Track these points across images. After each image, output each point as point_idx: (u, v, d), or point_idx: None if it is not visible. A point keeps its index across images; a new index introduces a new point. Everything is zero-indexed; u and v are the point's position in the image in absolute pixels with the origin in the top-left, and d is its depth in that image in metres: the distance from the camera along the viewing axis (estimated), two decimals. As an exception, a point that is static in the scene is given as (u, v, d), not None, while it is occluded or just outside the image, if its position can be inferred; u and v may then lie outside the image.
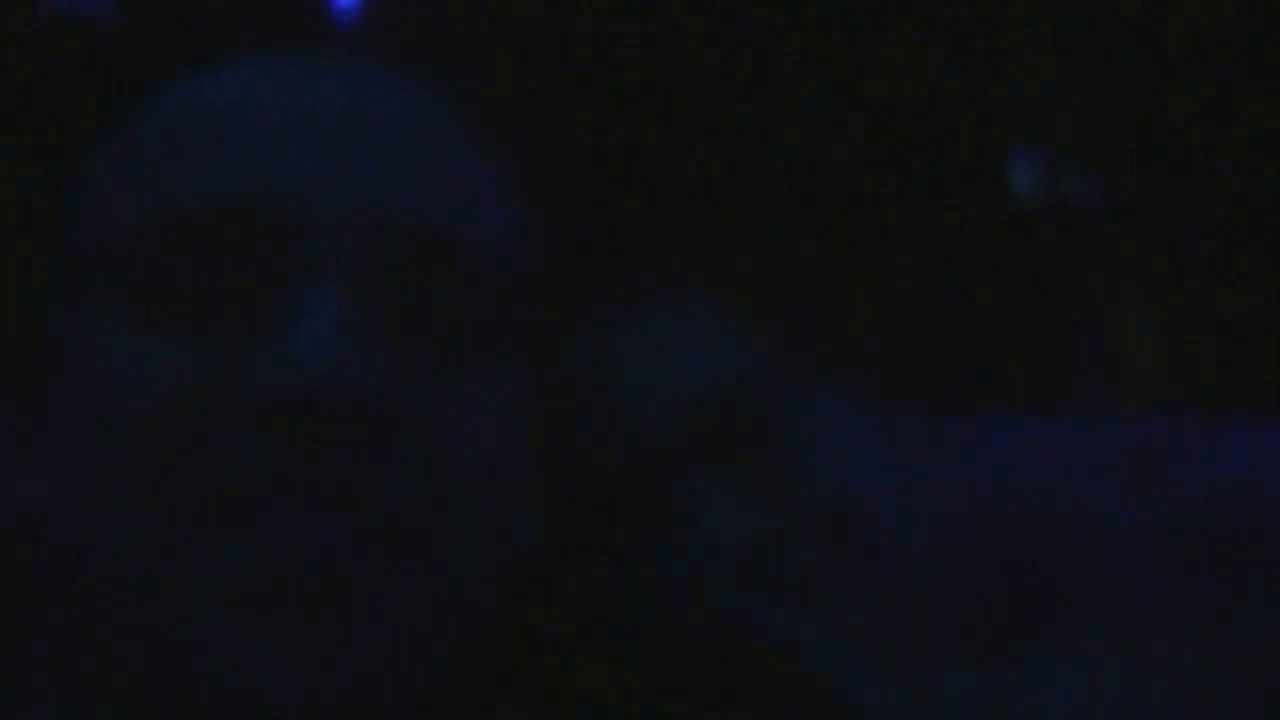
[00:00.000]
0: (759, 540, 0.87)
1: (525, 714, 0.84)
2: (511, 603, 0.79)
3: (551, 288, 0.83)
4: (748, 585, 0.86)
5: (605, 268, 0.95)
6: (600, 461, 0.88)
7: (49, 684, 0.75)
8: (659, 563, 0.87)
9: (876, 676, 0.85)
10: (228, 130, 0.73)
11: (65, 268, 0.75)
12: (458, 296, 0.74)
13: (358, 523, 0.70)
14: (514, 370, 0.76)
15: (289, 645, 0.69)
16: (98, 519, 0.71)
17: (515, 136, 0.82)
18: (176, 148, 0.74)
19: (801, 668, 0.84)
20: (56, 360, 0.74)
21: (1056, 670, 0.88)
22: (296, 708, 0.69)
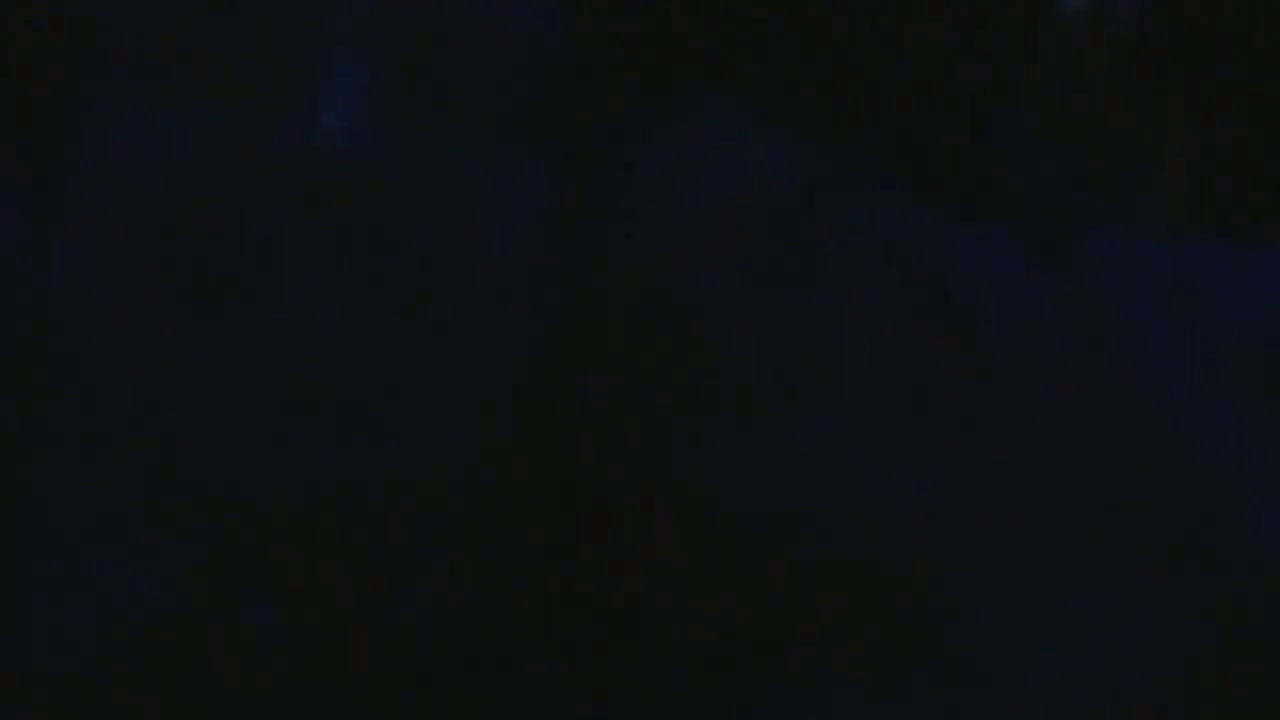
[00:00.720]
0: (783, 345, 0.86)
1: (526, 544, 0.84)
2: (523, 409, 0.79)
3: (582, 81, 0.82)
4: (770, 396, 0.86)
5: (638, 64, 0.93)
6: (625, 257, 0.87)
7: (59, 471, 0.75)
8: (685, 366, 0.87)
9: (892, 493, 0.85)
10: None
11: (79, 44, 0.74)
12: (481, 75, 0.73)
13: (376, 300, 0.70)
14: (536, 156, 0.75)
15: (300, 433, 0.69)
16: (115, 293, 0.70)
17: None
18: None
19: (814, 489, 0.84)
20: (73, 135, 0.73)
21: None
22: (310, 496, 0.69)
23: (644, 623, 0.82)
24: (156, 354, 0.70)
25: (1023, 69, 1.32)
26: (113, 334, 0.71)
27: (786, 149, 0.90)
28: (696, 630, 0.83)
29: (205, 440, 0.70)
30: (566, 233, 0.81)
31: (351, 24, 0.71)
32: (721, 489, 0.85)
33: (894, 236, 0.92)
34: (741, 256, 0.87)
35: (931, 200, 0.95)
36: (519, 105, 0.75)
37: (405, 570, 0.75)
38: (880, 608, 0.85)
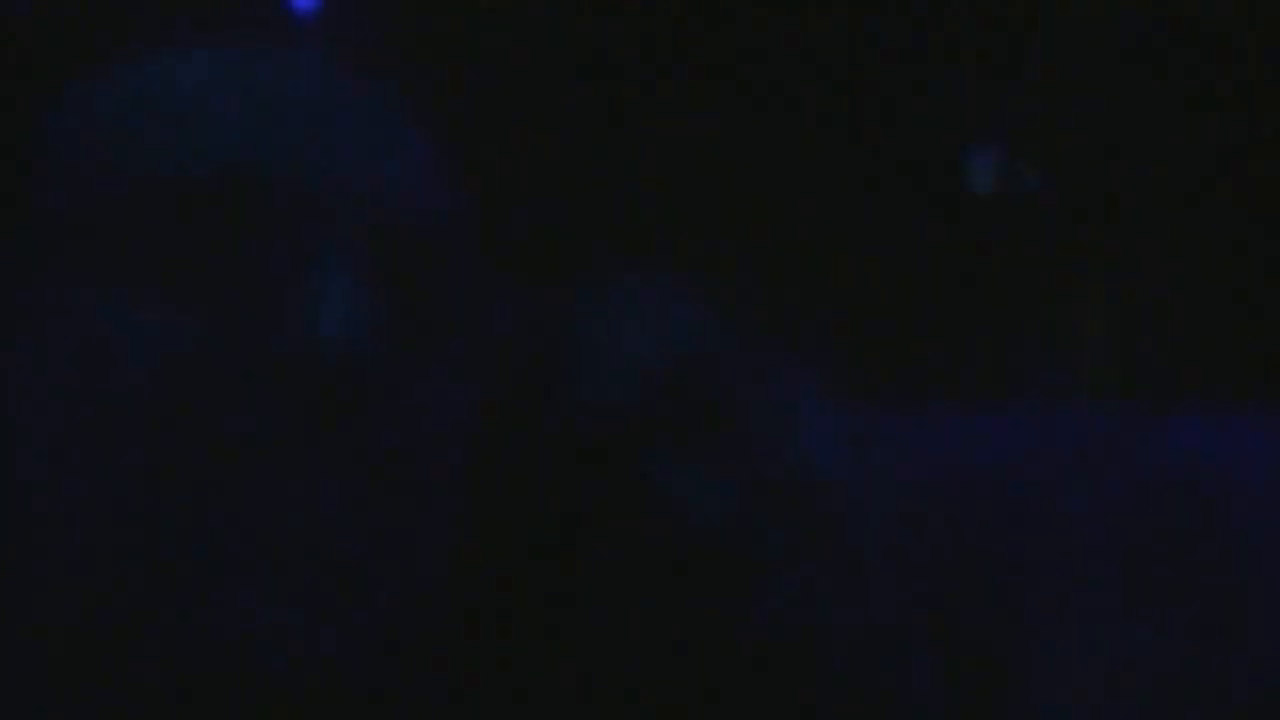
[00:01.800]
0: (722, 519, 0.87)
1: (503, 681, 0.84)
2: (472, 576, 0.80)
3: (502, 264, 0.84)
4: (712, 562, 0.86)
5: (559, 243, 0.95)
6: (557, 436, 0.88)
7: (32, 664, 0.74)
8: (622, 536, 0.87)
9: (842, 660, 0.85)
10: (209, 108, 0.74)
11: (37, 233, 0.74)
12: (422, 274, 0.76)
13: (360, 489, 0.71)
14: (468, 343, 0.77)
15: (300, 610, 0.70)
16: (91, 490, 0.71)
17: (462, 119, 0.84)
18: (158, 120, 0.74)
19: (767, 648, 0.85)
20: (24, 328, 0.74)
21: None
22: (306, 670, 0.70)
23: None
24: (123, 538, 0.70)
25: (941, 245, 1.34)
26: (91, 513, 0.72)
27: (710, 320, 0.91)
28: None
29: (171, 623, 0.70)
30: (504, 414, 0.83)
31: (314, 219, 0.73)
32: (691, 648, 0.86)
33: (821, 408, 0.93)
34: (676, 430, 0.88)
35: (851, 376, 0.96)
36: (456, 292, 0.77)
37: None
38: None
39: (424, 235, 0.76)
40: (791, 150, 1.18)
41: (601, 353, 0.89)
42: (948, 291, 1.35)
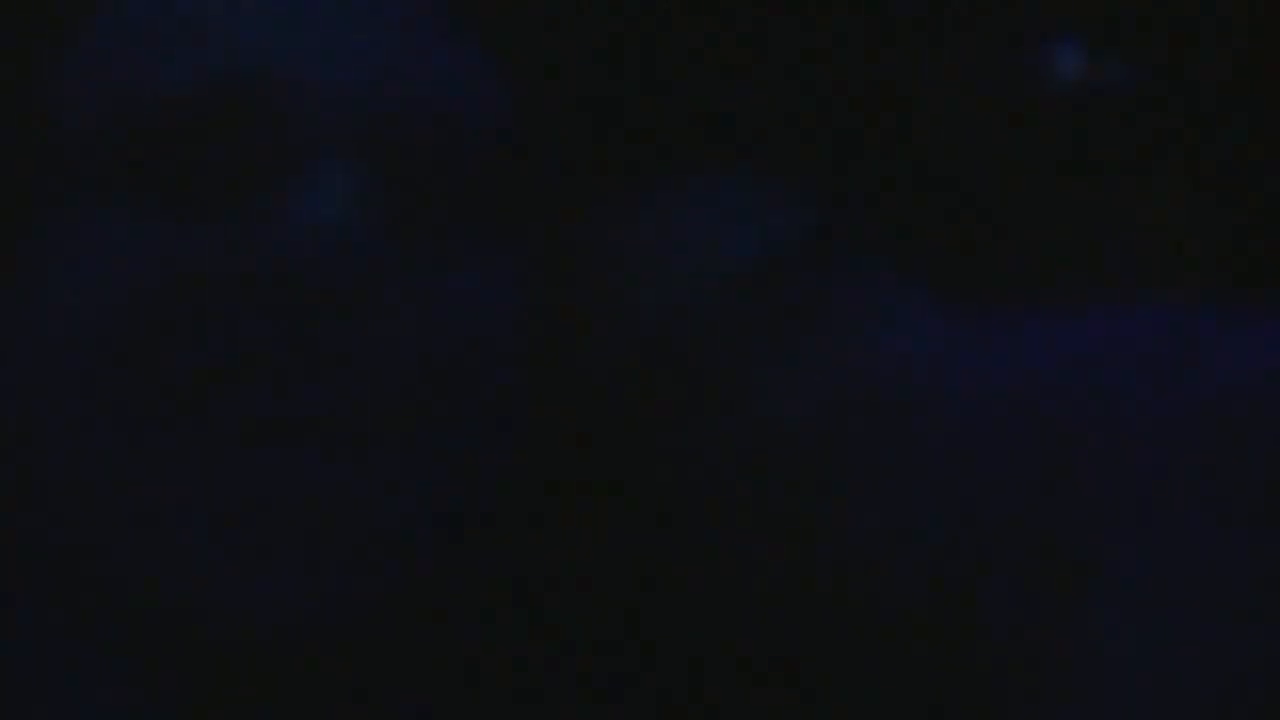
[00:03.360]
0: (808, 421, 0.84)
1: (523, 632, 0.82)
2: (516, 502, 0.77)
3: (562, 162, 0.82)
4: (797, 469, 0.84)
5: (628, 140, 0.93)
6: (623, 341, 0.86)
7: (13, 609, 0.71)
8: (697, 448, 0.85)
9: (922, 572, 0.84)
10: (208, 10, 0.72)
11: (44, 151, 0.72)
12: (451, 170, 0.73)
13: (359, 399, 0.68)
14: (514, 246, 0.75)
15: (283, 557, 0.67)
16: (87, 401, 0.68)
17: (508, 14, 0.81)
18: (158, 27, 0.71)
19: (847, 557, 0.83)
20: (36, 246, 0.71)
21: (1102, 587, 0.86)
22: (297, 621, 0.67)
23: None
24: (122, 473, 0.68)
25: (1021, 142, 1.32)
26: (72, 453, 0.69)
27: (786, 218, 0.88)
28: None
29: (176, 568, 0.67)
30: (553, 324, 0.80)
31: (321, 125, 0.71)
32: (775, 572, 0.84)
33: (911, 305, 0.90)
34: (747, 329, 0.85)
35: (927, 274, 0.94)
36: (493, 196, 0.75)
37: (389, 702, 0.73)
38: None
39: (463, 139, 0.73)
40: (875, 43, 1.14)
41: (672, 255, 0.87)
42: (1034, 187, 1.32)
